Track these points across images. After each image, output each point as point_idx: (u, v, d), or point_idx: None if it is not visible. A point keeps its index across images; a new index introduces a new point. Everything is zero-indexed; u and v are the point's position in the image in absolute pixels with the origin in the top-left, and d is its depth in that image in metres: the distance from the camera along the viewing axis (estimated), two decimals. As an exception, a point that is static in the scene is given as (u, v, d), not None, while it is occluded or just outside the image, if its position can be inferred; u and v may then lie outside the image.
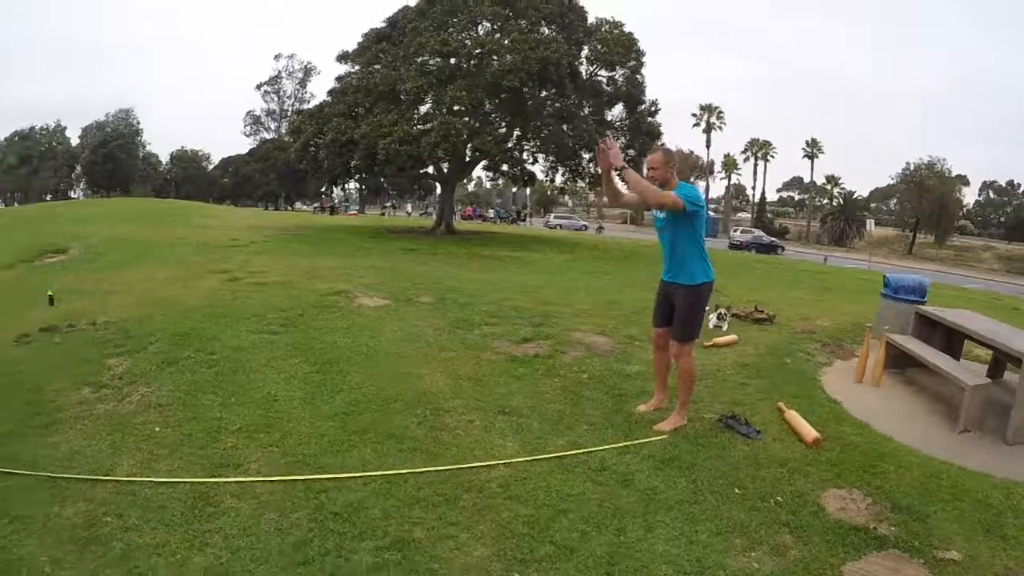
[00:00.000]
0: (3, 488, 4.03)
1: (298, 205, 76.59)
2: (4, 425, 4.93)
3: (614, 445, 4.56)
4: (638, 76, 25.23)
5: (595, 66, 25.07)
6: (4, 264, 13.86)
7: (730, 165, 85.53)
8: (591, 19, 25.36)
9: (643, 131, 25.01)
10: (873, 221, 78.34)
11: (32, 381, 5.75)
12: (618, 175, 4.67)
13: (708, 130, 79.49)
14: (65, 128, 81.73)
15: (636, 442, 4.61)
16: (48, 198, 69.89)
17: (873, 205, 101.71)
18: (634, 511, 3.77)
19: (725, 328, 7.88)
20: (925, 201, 67.06)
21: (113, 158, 73.63)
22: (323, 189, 59.56)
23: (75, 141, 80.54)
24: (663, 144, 5.13)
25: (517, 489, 3.99)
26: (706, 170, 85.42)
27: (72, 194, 78.19)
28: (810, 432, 4.80)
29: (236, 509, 3.76)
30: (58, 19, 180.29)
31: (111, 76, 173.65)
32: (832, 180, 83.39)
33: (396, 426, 4.85)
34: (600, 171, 4.85)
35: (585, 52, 24.61)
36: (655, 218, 4.95)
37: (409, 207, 73.58)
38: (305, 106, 62.46)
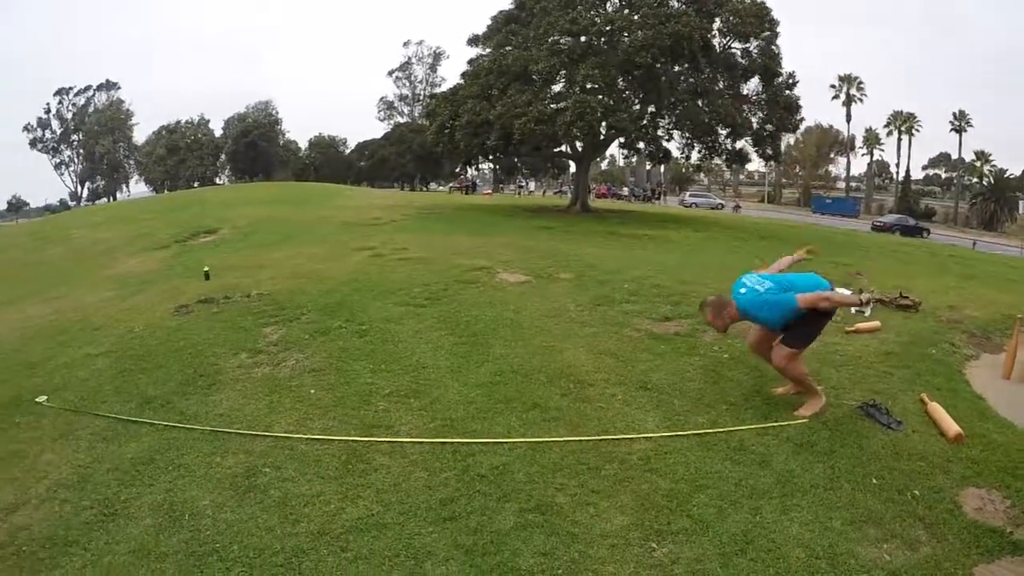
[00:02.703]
0: (169, 440, 4.58)
1: (432, 185, 78.93)
2: (169, 384, 5.57)
3: (753, 426, 4.56)
4: (773, 47, 24.10)
5: (728, 38, 24.23)
6: (161, 244, 15.27)
7: (872, 140, 79.51)
8: (720, -11, 24.50)
9: (781, 105, 23.96)
10: (1027, 203, 71.18)
11: (193, 346, 6.44)
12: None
13: (848, 103, 74.85)
14: (208, 121, 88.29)
15: (775, 424, 4.59)
16: (195, 185, 75.79)
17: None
18: (770, 492, 3.79)
19: (868, 313, 7.56)
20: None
21: (255, 146, 78.86)
22: (457, 169, 60.83)
23: (218, 132, 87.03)
24: (704, 302, 5.13)
25: (657, 463, 4.08)
26: (847, 146, 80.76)
27: (217, 180, 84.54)
28: (952, 427, 4.57)
29: (387, 467, 4.08)
30: (193, 18, 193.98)
31: (250, 71, 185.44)
32: (982, 157, 75.22)
33: (540, 397, 5.04)
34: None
35: (717, 24, 23.82)
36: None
37: (532, 185, 74.32)
38: (437, 90, 64.70)
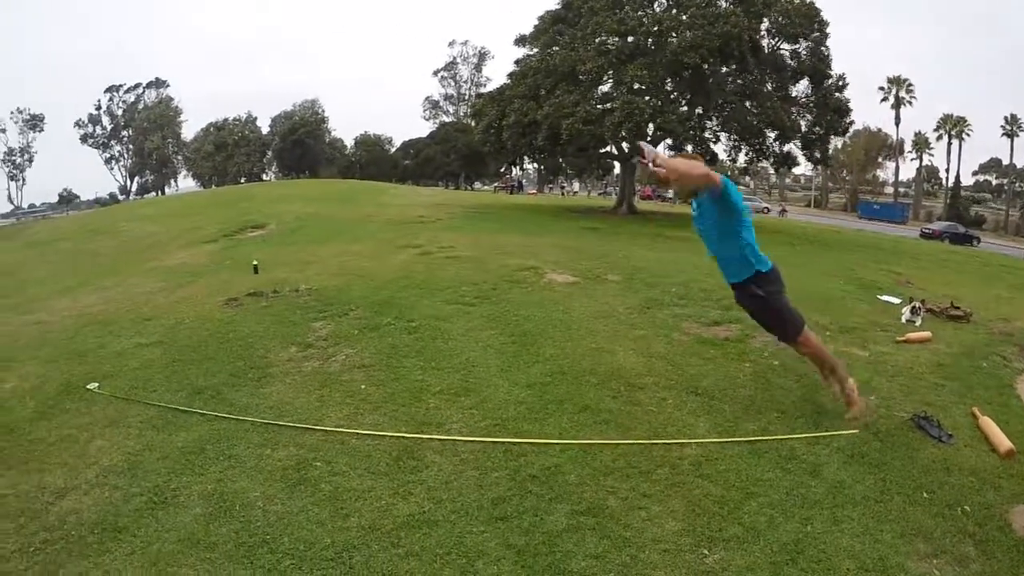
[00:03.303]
0: (219, 430, 4.63)
1: (477, 185, 79.40)
2: (219, 376, 5.65)
3: (804, 435, 4.49)
4: (823, 48, 23.88)
5: (776, 39, 24.00)
6: (209, 238, 15.54)
7: (921, 144, 77.44)
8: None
9: (831, 108, 23.69)
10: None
11: (243, 339, 6.53)
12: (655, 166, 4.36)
13: (896, 105, 73.00)
14: (256, 119, 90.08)
15: (826, 434, 4.51)
16: (242, 181, 77.41)
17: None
18: (821, 502, 3.72)
19: (919, 323, 7.41)
20: None
21: (301, 144, 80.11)
22: (502, 169, 61.02)
23: (265, 129, 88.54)
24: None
25: (708, 469, 4.04)
26: (895, 150, 78.67)
27: (264, 177, 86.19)
28: (1004, 443, 4.43)
29: (438, 464, 4.07)
30: (241, 18, 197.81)
31: (296, 70, 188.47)
32: (1035, 163, 73.62)
33: (591, 399, 5.02)
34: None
35: (765, 24, 23.59)
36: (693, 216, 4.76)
37: (576, 186, 74.37)
38: (482, 90, 65.20)
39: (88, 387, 5.54)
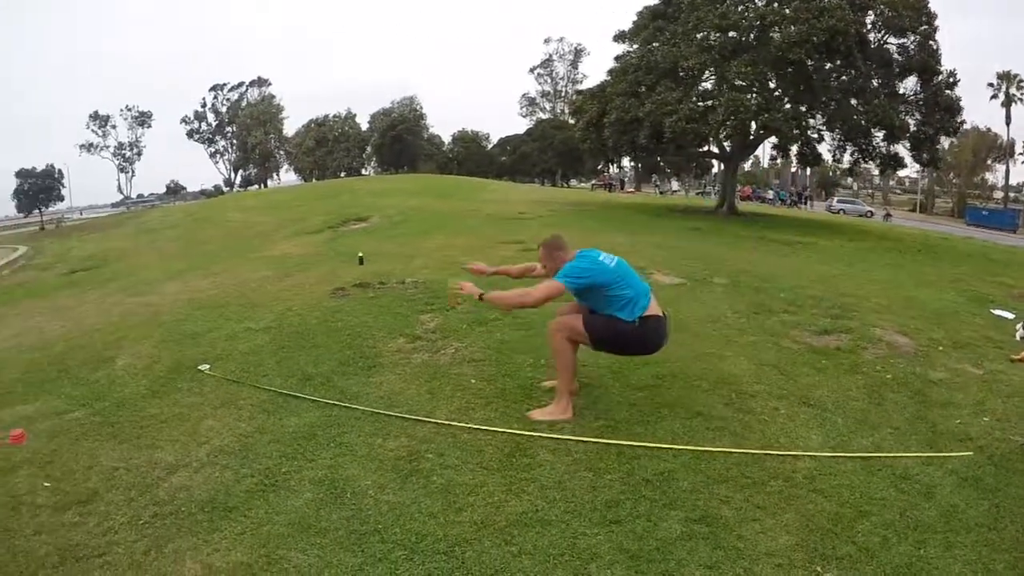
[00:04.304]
0: (330, 417, 4.71)
1: (572, 182, 79.49)
2: (328, 364, 5.77)
3: (919, 454, 4.33)
4: (931, 42, 22.68)
5: (882, 33, 22.99)
6: (314, 229, 15.98)
7: None
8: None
9: (941, 106, 22.53)
10: None
11: (351, 328, 6.66)
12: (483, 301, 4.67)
13: (1007, 103, 68.96)
14: (355, 115, 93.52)
15: (940, 455, 4.33)
16: (342, 175, 79.79)
17: None
18: (934, 526, 3.55)
19: None
20: None
21: (400, 139, 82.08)
22: (599, 167, 61.00)
23: (364, 126, 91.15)
24: (544, 241, 4.71)
25: (822, 483, 3.91)
26: (1006, 151, 74.02)
27: (363, 171, 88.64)
28: None
29: (551, 463, 4.02)
30: (341, 15, 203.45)
31: (395, 67, 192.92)
32: None
33: (702, 404, 4.92)
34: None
35: (870, 17, 22.63)
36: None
37: (675, 184, 73.62)
38: (578, 87, 65.30)
39: (199, 368, 5.76)
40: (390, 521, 3.44)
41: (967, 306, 8.94)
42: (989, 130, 76.22)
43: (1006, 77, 69.25)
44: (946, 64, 22.92)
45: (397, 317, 6.94)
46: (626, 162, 54.85)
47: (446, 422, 4.53)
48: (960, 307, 8.79)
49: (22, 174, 49.94)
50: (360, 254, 10.14)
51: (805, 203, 59.91)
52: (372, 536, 3.32)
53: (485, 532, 3.35)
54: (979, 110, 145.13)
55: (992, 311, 8.77)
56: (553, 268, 4.72)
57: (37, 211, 53.12)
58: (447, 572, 3.06)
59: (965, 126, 34.43)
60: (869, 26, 22.70)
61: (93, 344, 6.89)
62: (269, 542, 3.29)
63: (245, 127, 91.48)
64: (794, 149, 25.47)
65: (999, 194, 78.80)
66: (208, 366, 5.79)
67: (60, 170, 54.77)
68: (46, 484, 3.94)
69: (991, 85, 69.76)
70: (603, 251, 4.76)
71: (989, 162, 79.82)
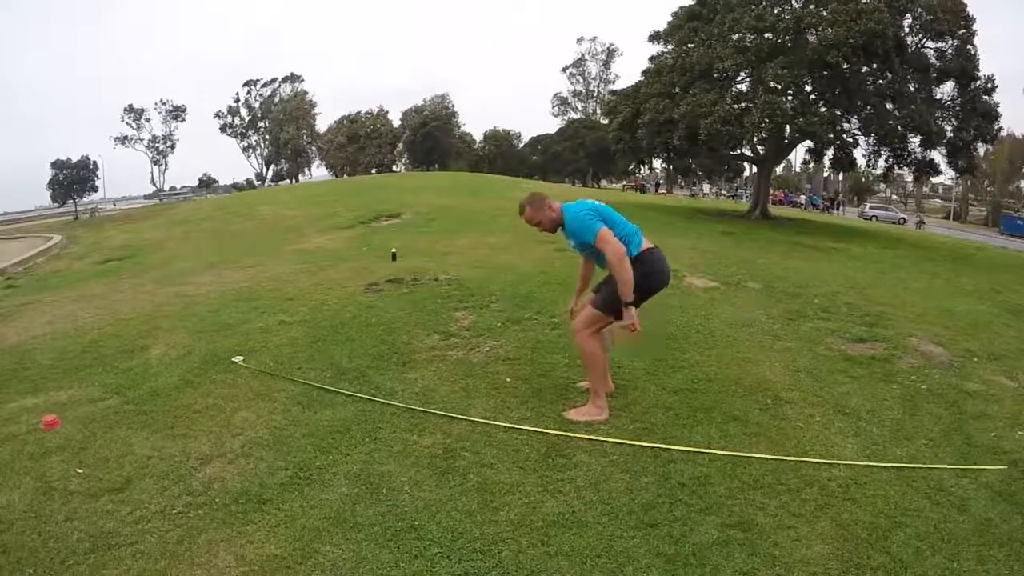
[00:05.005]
0: (365, 412, 4.73)
1: (603, 183, 79.28)
2: (363, 359, 5.80)
3: (954, 466, 4.26)
4: (969, 47, 22.25)
5: (920, 36, 22.62)
6: (346, 224, 16.07)
7: None
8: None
9: (979, 112, 22.09)
10: None
11: (385, 324, 6.69)
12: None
13: None
14: (387, 112, 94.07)
15: (975, 467, 4.26)
16: (373, 171, 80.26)
17: None
18: (968, 539, 3.49)
19: None
20: None
21: (431, 137, 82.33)
22: (631, 167, 60.70)
23: (396, 123, 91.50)
24: (525, 198, 4.59)
25: (857, 492, 3.87)
26: None
27: (395, 168, 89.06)
28: None
29: (587, 464, 4.00)
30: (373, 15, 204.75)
31: (427, 66, 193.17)
32: None
33: (738, 409, 4.90)
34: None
35: (908, 20, 22.29)
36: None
37: (707, 187, 73.28)
38: (611, 87, 65.07)
39: (233, 360, 5.80)
40: (426, 518, 3.43)
41: (1003, 317, 8.79)
42: (1024, 136, 74.84)
43: (1045, 81, 67.74)
44: (984, 68, 22.61)
45: (431, 314, 6.97)
46: (657, 164, 54.87)
47: (482, 420, 4.54)
48: (995, 318, 8.64)
49: (57, 165, 50.59)
50: (393, 250, 10.20)
51: (837, 208, 59.32)
52: (408, 532, 3.32)
53: (522, 532, 3.34)
54: (1016, 116, 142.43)
55: (1028, 323, 8.59)
56: (547, 219, 4.77)
57: (71, 201, 53.65)
58: (484, 571, 3.06)
59: (1002, 132, 33.92)
60: (907, 30, 22.39)
61: (127, 333, 6.96)
62: (303, 535, 3.30)
63: (278, 123, 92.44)
64: (829, 154, 25.21)
65: (1034, 203, 77.37)
66: (242, 358, 5.83)
67: (95, 161, 55.67)
68: (79, 471, 3.99)
69: (1026, 90, 68.33)
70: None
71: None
